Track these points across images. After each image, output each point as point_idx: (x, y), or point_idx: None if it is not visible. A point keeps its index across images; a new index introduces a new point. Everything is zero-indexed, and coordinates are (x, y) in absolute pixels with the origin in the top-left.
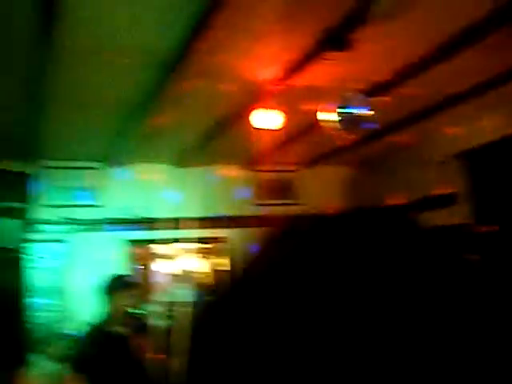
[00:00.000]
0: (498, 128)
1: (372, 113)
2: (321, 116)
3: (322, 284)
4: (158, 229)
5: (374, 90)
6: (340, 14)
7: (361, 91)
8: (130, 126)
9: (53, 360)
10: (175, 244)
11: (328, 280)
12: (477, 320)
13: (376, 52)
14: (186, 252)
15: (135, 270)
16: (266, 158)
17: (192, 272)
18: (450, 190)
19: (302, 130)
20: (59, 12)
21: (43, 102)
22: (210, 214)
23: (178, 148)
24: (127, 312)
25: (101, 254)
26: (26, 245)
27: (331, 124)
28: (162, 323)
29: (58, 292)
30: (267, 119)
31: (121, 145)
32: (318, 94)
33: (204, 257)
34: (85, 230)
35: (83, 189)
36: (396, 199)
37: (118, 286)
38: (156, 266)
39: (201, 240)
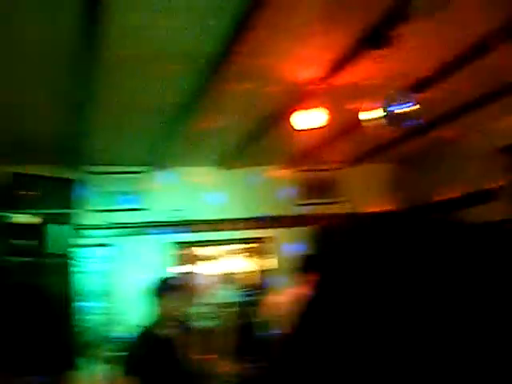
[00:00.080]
0: None
1: (416, 108)
2: (364, 114)
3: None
4: (202, 231)
5: (417, 86)
6: (380, 11)
7: (404, 87)
8: (174, 130)
9: (102, 363)
10: (220, 245)
11: (388, 278)
12: None
13: (418, 48)
14: (231, 253)
15: (181, 272)
16: (308, 157)
17: (236, 273)
18: (496, 185)
19: (345, 128)
20: (104, 21)
21: (88, 109)
22: (254, 215)
23: (222, 150)
24: (175, 314)
25: (147, 256)
26: (74, 250)
27: (375, 121)
28: (208, 324)
29: (106, 295)
30: (309, 119)
31: (165, 148)
32: (361, 92)
33: (248, 257)
34: (131, 234)
35: (129, 193)
36: (441, 195)
37: (165, 288)
38: (201, 267)
39: (245, 241)
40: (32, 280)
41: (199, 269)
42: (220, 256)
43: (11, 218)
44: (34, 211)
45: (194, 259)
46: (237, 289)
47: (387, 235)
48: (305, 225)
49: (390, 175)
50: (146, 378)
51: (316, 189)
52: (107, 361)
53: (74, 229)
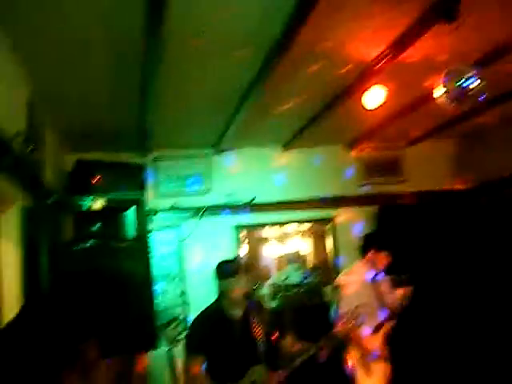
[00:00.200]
0: None
1: (483, 84)
2: (434, 91)
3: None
4: (266, 212)
5: (484, 60)
6: None
7: (471, 62)
8: (237, 112)
9: (171, 343)
10: (283, 226)
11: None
12: None
13: (486, 21)
14: (294, 234)
15: (246, 253)
16: (372, 136)
17: (300, 253)
18: None
19: (409, 105)
20: (167, 10)
21: (154, 95)
22: (318, 195)
23: (285, 131)
24: (241, 295)
25: (213, 239)
26: (145, 234)
27: (441, 98)
28: (273, 304)
29: (174, 278)
30: (374, 98)
31: (228, 131)
32: (427, 69)
33: (311, 237)
34: (197, 217)
35: (195, 176)
36: (509, 171)
37: (231, 270)
38: (266, 248)
39: (308, 221)
40: (113, 264)
41: (265, 250)
42: (285, 237)
43: (87, 204)
44: (107, 196)
45: (259, 241)
46: (303, 269)
47: (450, 214)
48: (369, 204)
49: (454, 151)
50: (211, 357)
51: (379, 168)
52: (175, 341)
53: (146, 213)
